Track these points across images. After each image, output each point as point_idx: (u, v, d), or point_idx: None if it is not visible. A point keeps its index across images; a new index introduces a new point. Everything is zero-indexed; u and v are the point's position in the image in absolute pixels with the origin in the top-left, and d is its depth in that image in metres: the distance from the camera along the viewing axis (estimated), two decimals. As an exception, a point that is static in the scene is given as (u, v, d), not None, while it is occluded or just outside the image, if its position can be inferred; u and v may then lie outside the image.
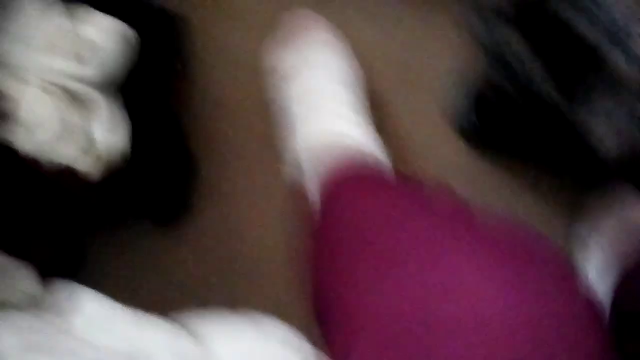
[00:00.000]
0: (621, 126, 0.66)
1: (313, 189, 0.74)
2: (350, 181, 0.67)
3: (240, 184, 0.95)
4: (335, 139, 0.74)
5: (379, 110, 0.97)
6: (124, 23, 0.74)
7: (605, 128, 0.67)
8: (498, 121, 0.86)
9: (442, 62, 1.00)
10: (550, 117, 0.73)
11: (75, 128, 0.70)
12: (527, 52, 0.69)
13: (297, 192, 0.80)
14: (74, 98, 0.70)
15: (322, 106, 0.80)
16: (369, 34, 1.03)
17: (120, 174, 0.74)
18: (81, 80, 0.70)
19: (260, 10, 1.06)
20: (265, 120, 0.98)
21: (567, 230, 0.91)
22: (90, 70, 0.69)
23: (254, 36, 1.04)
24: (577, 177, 0.92)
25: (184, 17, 1.00)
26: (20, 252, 0.77)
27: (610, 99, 0.66)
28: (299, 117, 0.82)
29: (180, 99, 0.97)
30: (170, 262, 0.93)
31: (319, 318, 0.54)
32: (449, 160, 0.95)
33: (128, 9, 0.93)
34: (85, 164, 0.70)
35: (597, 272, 0.81)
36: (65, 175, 0.71)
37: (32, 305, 0.78)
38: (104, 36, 0.71)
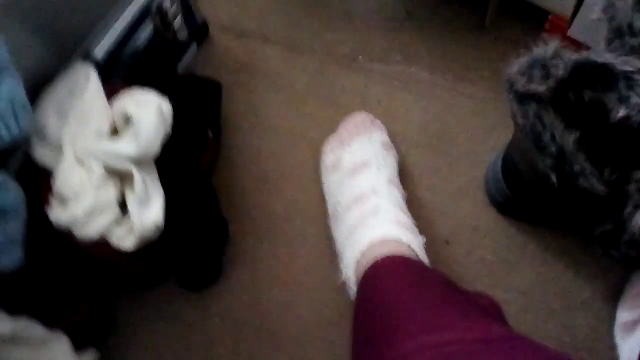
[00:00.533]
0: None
1: (352, 278, 0.78)
2: (383, 263, 0.70)
3: (271, 253, 0.95)
4: (384, 239, 0.78)
5: (413, 178, 0.97)
6: (160, 96, 0.76)
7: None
8: (532, 196, 0.85)
9: (478, 135, 1.00)
10: (585, 199, 0.71)
11: (109, 201, 0.71)
12: (565, 135, 0.68)
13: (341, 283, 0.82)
14: (109, 171, 0.71)
15: (373, 207, 0.83)
16: (407, 106, 1.03)
17: (154, 243, 0.74)
18: (116, 153, 0.71)
19: (296, 78, 1.08)
20: (299, 189, 0.98)
21: (599, 304, 0.88)
22: (125, 144, 0.71)
23: (292, 102, 1.05)
24: (610, 253, 0.90)
25: (220, 84, 1.02)
26: (56, 321, 0.78)
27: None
28: (349, 212, 0.85)
29: (214, 166, 0.99)
30: (198, 328, 0.92)
31: None
32: (483, 227, 0.94)
33: (168, 78, 0.96)
34: (119, 236, 0.71)
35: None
36: (99, 245, 0.72)
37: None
38: (141, 111, 0.73)
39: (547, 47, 0.71)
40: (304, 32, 1.12)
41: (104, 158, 0.71)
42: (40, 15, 0.75)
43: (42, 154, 0.74)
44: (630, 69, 0.68)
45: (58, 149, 0.73)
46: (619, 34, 0.74)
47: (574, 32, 1.03)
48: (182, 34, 0.99)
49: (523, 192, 0.87)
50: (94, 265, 0.83)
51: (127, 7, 0.88)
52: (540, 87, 0.69)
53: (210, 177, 0.97)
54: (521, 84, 0.70)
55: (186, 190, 0.81)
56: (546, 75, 0.69)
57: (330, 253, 0.92)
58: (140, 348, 0.91)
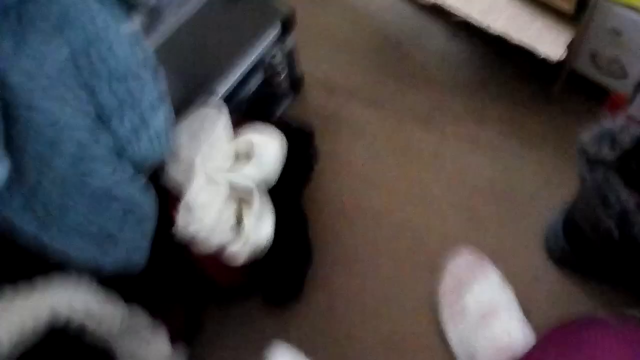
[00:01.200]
0: None
1: None
2: None
3: (347, 283, 1.06)
4: None
5: (481, 228, 1.08)
6: (280, 133, 0.89)
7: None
8: (591, 251, 0.95)
9: (540, 195, 1.11)
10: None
11: (231, 215, 0.83)
12: (629, 197, 0.79)
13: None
14: (233, 189, 0.84)
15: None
16: (477, 165, 1.15)
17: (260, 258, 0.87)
18: (243, 176, 0.84)
19: (377, 131, 1.21)
20: (376, 227, 1.10)
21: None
22: (250, 169, 0.84)
23: (372, 152, 1.19)
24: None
25: (314, 135, 1.16)
26: (158, 316, 0.90)
27: None
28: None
29: (308, 199, 1.11)
30: (276, 338, 1.02)
31: None
32: (541, 279, 1.04)
33: (270, 120, 1.10)
34: (236, 247, 0.83)
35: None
36: (215, 255, 0.84)
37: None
38: (264, 141, 0.87)
39: (616, 121, 0.83)
40: (386, 90, 1.26)
41: (230, 178, 0.84)
42: (183, 58, 0.90)
43: (175, 171, 0.87)
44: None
45: (189, 168, 0.87)
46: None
47: (633, 111, 1.15)
48: (285, 85, 1.14)
49: (583, 248, 0.97)
50: (193, 274, 0.95)
51: (247, 57, 1.03)
52: (609, 155, 0.80)
53: (306, 207, 1.10)
54: (592, 151, 0.82)
55: (286, 214, 0.94)
56: (614, 145, 0.81)
57: (397, 296, 1.03)
58: (223, 350, 1.01)
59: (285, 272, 0.99)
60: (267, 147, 0.85)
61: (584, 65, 1.17)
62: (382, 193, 1.14)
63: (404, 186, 1.14)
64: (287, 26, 1.09)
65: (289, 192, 0.97)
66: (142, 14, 0.78)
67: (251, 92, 1.07)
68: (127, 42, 0.72)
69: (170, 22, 0.83)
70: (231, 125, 0.90)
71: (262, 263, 0.92)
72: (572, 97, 1.21)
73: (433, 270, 1.04)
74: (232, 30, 0.98)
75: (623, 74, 1.13)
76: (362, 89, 1.27)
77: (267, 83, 1.11)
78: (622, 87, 1.14)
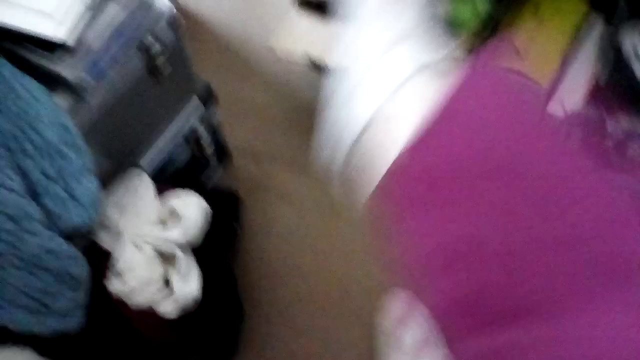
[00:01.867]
0: None
1: None
2: None
3: (283, 339, 1.11)
4: None
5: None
6: (201, 198, 0.96)
7: None
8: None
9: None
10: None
11: (157, 276, 0.88)
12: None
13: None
14: (160, 254, 0.90)
15: None
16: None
17: (189, 315, 0.91)
18: (166, 240, 0.90)
19: (303, 194, 1.29)
20: (306, 283, 1.16)
21: None
22: (174, 234, 0.90)
23: (299, 214, 1.26)
24: None
25: (240, 197, 1.23)
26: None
27: None
28: None
29: (236, 260, 1.17)
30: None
31: None
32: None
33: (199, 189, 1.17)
34: (165, 306, 0.88)
35: None
36: (147, 313, 0.88)
37: None
38: (186, 206, 0.93)
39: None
40: (308, 152, 1.35)
41: (155, 242, 0.90)
42: (109, 133, 0.97)
43: (103, 238, 0.92)
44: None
45: (117, 235, 0.92)
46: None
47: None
48: (212, 156, 1.22)
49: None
50: (129, 334, 0.98)
51: (169, 130, 1.11)
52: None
53: (234, 268, 1.15)
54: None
55: (213, 275, 0.99)
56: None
57: (331, 346, 1.08)
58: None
59: (218, 329, 1.03)
60: (189, 211, 0.92)
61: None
62: (309, 252, 1.21)
63: (329, 242, 1.22)
64: (207, 101, 1.17)
65: (216, 252, 1.03)
66: (67, 93, 0.85)
67: (177, 163, 1.14)
68: (53, 120, 0.79)
69: (97, 99, 0.90)
70: (156, 193, 0.96)
71: (194, 321, 0.96)
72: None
73: (360, 317, 1.10)
74: (156, 107, 1.06)
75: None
76: (287, 155, 1.36)
77: (194, 155, 1.18)
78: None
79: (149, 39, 0.95)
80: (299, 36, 1.26)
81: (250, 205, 1.28)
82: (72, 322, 0.85)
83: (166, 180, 1.10)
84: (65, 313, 0.84)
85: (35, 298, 0.81)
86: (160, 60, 0.99)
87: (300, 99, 1.46)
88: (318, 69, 1.29)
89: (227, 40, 1.52)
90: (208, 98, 1.18)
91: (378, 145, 0.42)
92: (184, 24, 1.01)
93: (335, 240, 1.22)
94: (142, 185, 0.96)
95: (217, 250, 1.05)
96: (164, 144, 1.10)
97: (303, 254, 1.21)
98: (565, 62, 1.20)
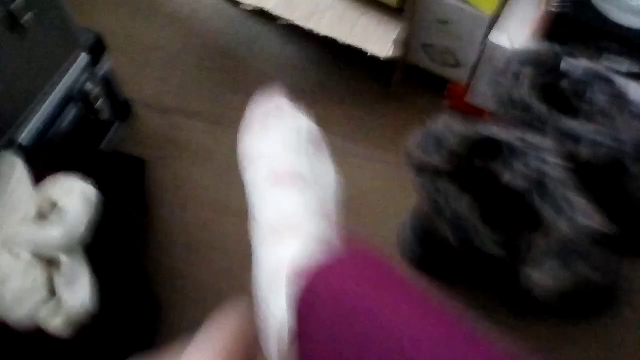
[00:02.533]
0: (556, 273, 0.73)
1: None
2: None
3: (201, 320, 0.98)
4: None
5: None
6: (85, 180, 0.79)
7: (540, 274, 0.73)
8: (440, 255, 0.93)
9: (391, 198, 1.08)
10: (485, 260, 0.79)
11: (37, 285, 0.73)
12: (458, 199, 0.76)
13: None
14: (36, 255, 0.74)
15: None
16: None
17: (88, 326, 0.77)
18: (45, 241, 0.74)
19: (218, 150, 1.13)
20: (226, 258, 1.03)
21: None
22: (53, 232, 0.74)
23: (218, 175, 1.11)
24: (510, 306, 0.98)
25: (143, 160, 1.06)
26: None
27: (545, 252, 0.73)
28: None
29: (151, 242, 1.02)
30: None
31: None
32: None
33: (92, 157, 0.99)
34: (52, 322, 0.73)
35: None
36: (37, 330, 0.73)
37: None
38: (66, 197, 0.76)
39: (438, 121, 0.80)
40: (224, 106, 1.18)
41: (30, 244, 0.73)
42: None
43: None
44: (511, 139, 0.77)
45: (-16, 236, 0.75)
46: (502, 105, 0.84)
47: (471, 98, 1.14)
48: (105, 113, 1.04)
49: (432, 251, 0.95)
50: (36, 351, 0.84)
51: (51, 93, 0.92)
52: (433, 158, 0.77)
53: (140, 253, 1.00)
54: (416, 156, 0.78)
55: (116, 271, 0.84)
56: (439, 148, 0.78)
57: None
58: None
59: (132, 332, 0.89)
60: (72, 202, 0.75)
61: (420, 58, 1.15)
62: (230, 217, 1.06)
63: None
64: (96, 52, 0.98)
65: (116, 246, 0.87)
66: None
67: (64, 127, 0.96)
68: None
69: None
70: (32, 181, 0.78)
71: (99, 334, 0.82)
72: (413, 92, 1.18)
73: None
74: (26, 69, 0.87)
75: (456, 63, 1.12)
76: (199, 107, 1.18)
77: (84, 115, 1.00)
78: (459, 76, 1.13)
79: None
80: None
81: (159, 170, 1.11)
82: None
83: (52, 150, 0.92)
84: None
85: None
86: (21, 13, 0.79)
87: (216, 42, 1.27)
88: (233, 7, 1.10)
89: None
90: (97, 50, 0.98)
91: None
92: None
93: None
94: (14, 173, 0.78)
95: (119, 240, 0.89)
96: (45, 110, 0.91)
97: (228, 222, 1.07)
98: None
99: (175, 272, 1.02)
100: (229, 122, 1.16)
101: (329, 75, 1.21)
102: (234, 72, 1.23)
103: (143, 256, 0.99)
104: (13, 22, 0.79)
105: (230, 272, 1.02)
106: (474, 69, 1.10)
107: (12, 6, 0.77)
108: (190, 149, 1.13)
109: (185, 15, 1.28)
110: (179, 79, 1.22)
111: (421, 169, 0.79)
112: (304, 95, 1.19)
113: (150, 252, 1.02)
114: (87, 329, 0.75)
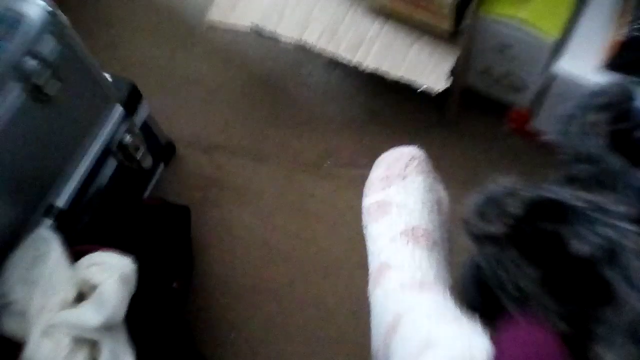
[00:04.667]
0: (629, 354, 0.65)
1: None
2: None
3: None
4: None
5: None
6: (124, 257, 0.76)
7: (612, 355, 0.65)
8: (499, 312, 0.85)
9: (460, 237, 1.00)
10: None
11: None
12: (527, 275, 0.68)
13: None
14: (80, 342, 0.71)
15: None
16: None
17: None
18: (85, 324, 0.71)
19: (264, 189, 1.08)
20: (275, 304, 0.99)
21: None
22: (93, 315, 0.71)
23: (262, 216, 1.06)
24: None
25: (187, 208, 1.02)
26: None
27: (617, 329, 0.65)
28: None
29: (196, 288, 0.99)
30: None
31: None
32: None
33: (134, 209, 0.96)
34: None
35: None
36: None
37: None
38: (105, 278, 0.73)
39: (500, 185, 0.71)
40: (269, 141, 1.13)
41: (70, 330, 0.71)
42: (6, 184, 0.76)
43: (8, 323, 0.74)
44: (576, 201, 0.69)
45: (23, 317, 0.73)
46: (569, 158, 0.75)
47: (538, 124, 1.04)
48: (147, 162, 1.00)
49: (492, 307, 0.87)
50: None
51: (87, 151, 0.89)
52: (493, 226, 0.69)
53: (185, 306, 0.97)
54: (474, 224, 0.70)
55: (159, 339, 0.81)
56: (502, 215, 0.70)
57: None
58: None
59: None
60: (108, 283, 0.72)
61: (476, 82, 1.06)
62: (278, 263, 1.02)
63: (301, 250, 1.03)
64: (131, 101, 0.94)
65: (158, 313, 0.85)
66: None
67: (104, 182, 0.93)
68: None
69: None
70: (68, 259, 0.76)
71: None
72: (470, 118, 1.09)
73: (344, 339, 0.94)
74: (59, 131, 0.84)
75: (518, 87, 1.02)
76: (242, 144, 1.13)
77: (125, 166, 0.96)
78: (521, 100, 1.04)
79: (29, 62, 0.71)
80: (242, 4, 1.01)
81: (204, 210, 1.08)
82: None
83: (92, 207, 0.90)
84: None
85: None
86: (42, 81, 0.75)
87: (258, 73, 1.20)
88: (267, 37, 1.03)
89: (163, 11, 1.26)
90: (133, 100, 0.95)
91: None
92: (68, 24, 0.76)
93: (308, 247, 1.03)
94: (52, 254, 0.76)
95: (159, 309, 0.86)
96: (82, 169, 0.88)
97: (273, 266, 1.03)
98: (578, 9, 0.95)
99: (223, 323, 0.99)
100: (272, 157, 1.11)
101: (379, 103, 1.13)
102: (278, 103, 1.17)
103: (189, 307, 0.96)
104: (38, 92, 0.76)
105: (279, 319, 0.98)
106: (538, 94, 1.00)
107: (36, 80, 0.74)
108: (235, 188, 1.09)
109: (225, 46, 1.22)
110: (221, 113, 1.17)
111: (480, 237, 0.71)
112: (353, 125, 1.12)
113: (197, 302, 0.99)
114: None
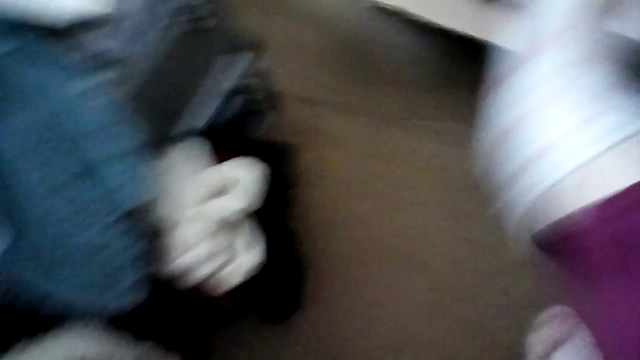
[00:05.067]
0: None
1: None
2: None
3: (346, 295, 1.10)
4: None
5: (463, 222, 1.12)
6: (255, 159, 0.93)
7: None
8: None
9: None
10: None
11: (222, 248, 0.87)
12: None
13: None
14: (222, 226, 0.88)
15: None
16: (458, 160, 1.19)
17: (252, 278, 0.91)
18: (229, 211, 0.88)
19: (355, 138, 1.25)
20: (365, 232, 1.14)
21: None
22: (235, 203, 0.88)
23: (353, 160, 1.22)
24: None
25: (292, 145, 1.19)
26: (167, 349, 0.94)
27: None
28: None
29: (294, 214, 1.15)
30: (282, 354, 1.06)
31: None
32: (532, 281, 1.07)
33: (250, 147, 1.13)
34: (229, 275, 0.87)
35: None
36: (206, 285, 0.88)
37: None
38: (243, 172, 0.90)
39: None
40: (359, 95, 1.30)
41: (215, 214, 0.88)
42: (154, 104, 0.93)
43: (158, 211, 0.91)
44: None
45: (171, 207, 0.90)
46: None
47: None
48: (262, 105, 1.18)
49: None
50: (193, 301, 0.99)
51: (219, 88, 1.07)
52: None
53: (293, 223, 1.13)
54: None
55: (272, 234, 0.98)
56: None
57: (396, 300, 1.07)
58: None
59: (278, 290, 1.02)
60: (247, 177, 0.89)
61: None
62: (367, 200, 1.18)
63: (388, 190, 1.18)
64: (255, 51, 1.12)
65: (274, 212, 1.01)
66: (107, 66, 0.81)
67: (227, 118, 1.10)
68: (91, 103, 0.76)
69: (139, 67, 0.86)
70: (210, 159, 0.93)
71: (255, 284, 0.96)
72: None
73: (425, 266, 1.08)
74: (201, 65, 1.02)
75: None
76: (335, 97, 1.30)
77: (244, 107, 1.14)
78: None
79: (191, -5, 0.90)
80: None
81: (303, 153, 1.24)
82: (134, 296, 0.84)
83: (217, 137, 1.07)
84: (126, 288, 0.84)
85: (95, 275, 0.81)
86: (202, 16, 0.93)
87: (350, 37, 1.38)
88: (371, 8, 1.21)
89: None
90: (255, 48, 1.12)
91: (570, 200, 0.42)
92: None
93: (394, 187, 1.18)
94: (198, 154, 0.93)
95: (276, 208, 1.02)
96: (212, 102, 1.06)
97: (361, 202, 1.18)
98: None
99: (316, 244, 1.14)
100: (362, 110, 1.28)
101: (459, 69, 1.29)
102: (366, 65, 1.34)
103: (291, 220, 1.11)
104: (195, 24, 0.93)
105: (362, 247, 1.13)
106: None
107: (199, 14, 0.92)
108: (329, 136, 1.25)
109: (320, 11, 1.40)
110: (317, 72, 1.34)
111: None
112: (434, 85, 1.28)
113: (295, 224, 1.15)
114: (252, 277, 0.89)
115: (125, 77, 0.82)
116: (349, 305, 1.10)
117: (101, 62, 0.79)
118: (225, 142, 1.05)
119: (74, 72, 0.78)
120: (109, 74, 0.80)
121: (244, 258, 0.87)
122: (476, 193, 1.15)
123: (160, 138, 0.94)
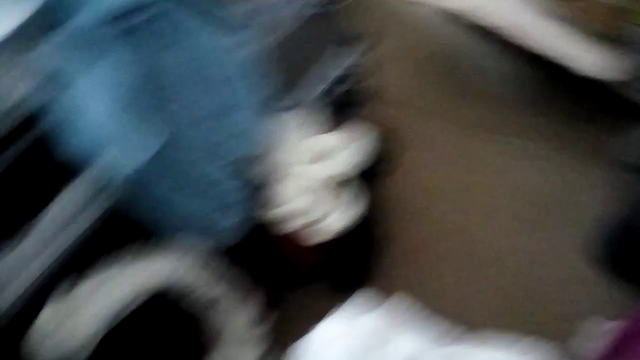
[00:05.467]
0: None
1: None
2: None
3: (408, 281, 1.17)
4: None
5: (531, 233, 1.18)
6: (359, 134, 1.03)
7: None
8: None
9: (589, 201, 1.21)
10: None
11: (317, 205, 0.97)
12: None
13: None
14: (321, 184, 0.97)
15: None
16: (532, 173, 1.27)
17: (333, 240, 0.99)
18: (327, 172, 0.97)
19: (438, 141, 1.33)
20: (437, 233, 1.22)
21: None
22: (334, 167, 0.98)
23: (435, 162, 1.32)
24: None
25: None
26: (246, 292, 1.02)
27: None
28: None
29: (377, 200, 1.22)
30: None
31: None
32: (587, 294, 1.12)
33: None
34: (319, 230, 0.96)
35: None
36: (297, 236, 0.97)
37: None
38: (347, 144, 1.00)
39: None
40: (449, 106, 1.39)
41: (317, 175, 0.98)
42: (278, 72, 1.04)
43: (271, 166, 1.00)
44: None
45: (280, 164, 1.00)
46: None
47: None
48: (359, 96, 1.28)
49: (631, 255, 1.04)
50: (275, 256, 1.06)
51: (332, 70, 1.18)
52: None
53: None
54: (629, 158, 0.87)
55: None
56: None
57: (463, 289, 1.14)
58: (300, 329, 1.12)
59: (356, 258, 1.10)
60: (350, 148, 1.00)
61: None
62: (444, 201, 1.26)
63: (465, 194, 1.26)
64: (359, 44, 1.23)
65: (366, 185, 1.09)
66: (253, 27, 0.92)
67: (333, 98, 1.21)
68: (238, 50, 0.86)
69: (276, 34, 0.97)
70: (320, 126, 1.03)
71: (339, 246, 1.04)
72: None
73: (492, 270, 1.16)
74: (318, 47, 1.13)
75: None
76: (425, 104, 1.40)
77: (343, 97, 1.24)
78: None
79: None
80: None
81: (386, 149, 1.32)
82: (235, 236, 0.93)
83: (324, 113, 1.17)
84: (229, 228, 0.93)
85: (221, 195, 0.91)
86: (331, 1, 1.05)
87: (443, 52, 1.49)
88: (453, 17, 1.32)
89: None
90: (362, 47, 1.23)
91: None
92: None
93: (471, 193, 1.26)
94: (305, 122, 1.03)
95: (368, 183, 1.10)
96: (319, 85, 1.17)
97: (437, 200, 1.26)
98: None
99: (392, 229, 1.21)
100: (449, 118, 1.37)
101: (543, 91, 1.39)
102: (456, 78, 1.45)
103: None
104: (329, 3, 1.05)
105: (438, 240, 1.21)
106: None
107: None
108: (415, 136, 1.33)
109: (423, 25, 1.52)
110: (406, 78, 1.45)
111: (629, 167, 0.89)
112: (520, 104, 1.36)
113: (377, 209, 1.23)
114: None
115: (265, 39, 0.93)
116: (413, 292, 1.16)
117: (249, 19, 0.91)
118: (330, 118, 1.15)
119: (225, 25, 0.89)
120: (254, 32, 0.91)
121: (335, 217, 0.96)
122: (543, 208, 1.22)
123: (279, 101, 1.05)
